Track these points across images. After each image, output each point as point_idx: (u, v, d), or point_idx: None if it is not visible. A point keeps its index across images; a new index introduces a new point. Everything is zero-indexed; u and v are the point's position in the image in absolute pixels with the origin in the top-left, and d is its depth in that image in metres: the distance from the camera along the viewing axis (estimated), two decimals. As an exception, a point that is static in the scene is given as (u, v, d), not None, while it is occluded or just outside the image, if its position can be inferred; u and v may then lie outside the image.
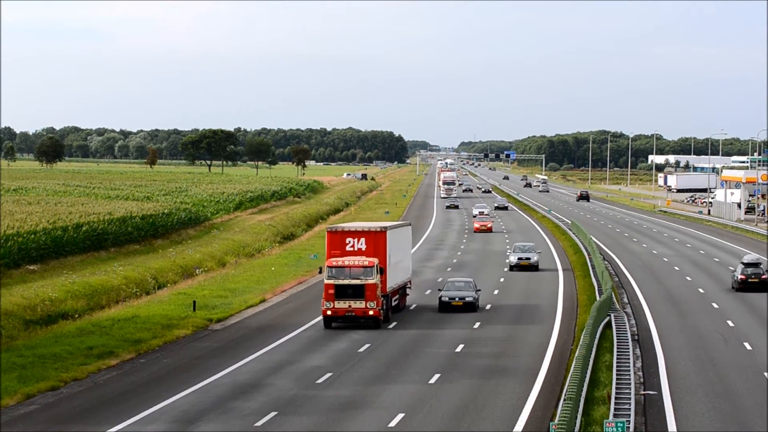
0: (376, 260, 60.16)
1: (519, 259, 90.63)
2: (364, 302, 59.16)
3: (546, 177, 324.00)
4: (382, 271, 60.78)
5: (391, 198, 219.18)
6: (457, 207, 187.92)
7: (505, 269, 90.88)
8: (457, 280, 69.42)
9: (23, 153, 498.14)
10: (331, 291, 59.22)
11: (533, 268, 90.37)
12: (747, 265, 79.13)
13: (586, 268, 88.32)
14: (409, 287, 70.37)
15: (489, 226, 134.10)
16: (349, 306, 59.24)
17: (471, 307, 65.85)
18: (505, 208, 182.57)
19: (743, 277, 77.88)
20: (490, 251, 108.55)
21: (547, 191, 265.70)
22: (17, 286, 70.33)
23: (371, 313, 59.27)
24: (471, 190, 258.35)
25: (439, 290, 67.99)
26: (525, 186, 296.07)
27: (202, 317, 64.00)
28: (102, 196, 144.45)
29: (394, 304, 64.44)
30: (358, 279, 59.31)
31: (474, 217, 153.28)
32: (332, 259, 60.61)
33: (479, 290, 68.25)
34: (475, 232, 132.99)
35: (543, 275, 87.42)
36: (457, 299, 65.94)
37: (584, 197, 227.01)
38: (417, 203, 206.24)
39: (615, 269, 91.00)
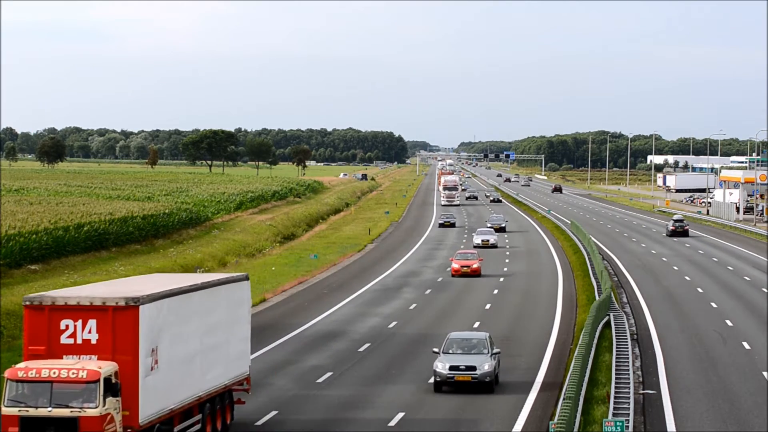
0: (108, 367, 30.97)
1: (452, 368, 43.93)
2: None
3: (530, 175, 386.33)
4: (117, 391, 30.92)
5: (391, 198, 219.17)
6: (453, 225, 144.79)
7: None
8: None
9: (25, 153, 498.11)
10: (14, 430, 30.68)
11: (482, 386, 43.92)
12: (675, 220, 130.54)
13: (586, 267, 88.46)
14: (244, 387, 39.55)
15: (475, 266, 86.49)
16: None
17: None
18: (503, 229, 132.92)
19: (673, 228, 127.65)
20: (490, 252, 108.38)
21: (528, 185, 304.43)
22: (19, 286, 70.50)
23: None
24: (476, 197, 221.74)
25: None
26: (505, 181, 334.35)
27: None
28: (103, 196, 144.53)
29: None
30: (66, 407, 30.43)
31: (475, 246, 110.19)
32: (21, 365, 31.19)
33: None
34: (453, 275, 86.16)
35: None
36: None
37: (558, 189, 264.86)
38: (417, 203, 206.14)
39: (614, 269, 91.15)
